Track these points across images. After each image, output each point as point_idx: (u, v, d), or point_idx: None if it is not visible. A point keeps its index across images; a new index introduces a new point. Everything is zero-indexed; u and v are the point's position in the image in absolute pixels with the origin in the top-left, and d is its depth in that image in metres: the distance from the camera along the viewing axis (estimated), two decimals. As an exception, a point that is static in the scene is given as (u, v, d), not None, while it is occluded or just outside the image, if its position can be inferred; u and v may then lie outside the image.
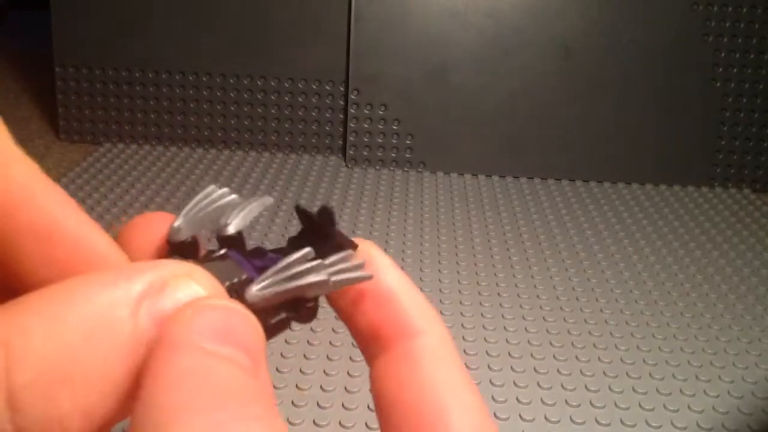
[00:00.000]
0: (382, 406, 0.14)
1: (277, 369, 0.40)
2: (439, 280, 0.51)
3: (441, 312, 0.47)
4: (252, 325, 0.11)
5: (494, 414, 0.37)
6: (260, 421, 0.10)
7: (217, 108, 0.73)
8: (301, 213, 0.15)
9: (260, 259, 0.14)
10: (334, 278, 0.14)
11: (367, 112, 0.71)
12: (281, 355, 0.42)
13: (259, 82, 0.72)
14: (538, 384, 0.40)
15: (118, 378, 0.10)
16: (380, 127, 0.71)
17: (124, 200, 0.61)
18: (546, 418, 0.37)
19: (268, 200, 0.15)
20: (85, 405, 0.10)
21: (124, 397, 0.10)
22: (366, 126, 0.71)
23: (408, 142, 0.71)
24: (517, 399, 0.39)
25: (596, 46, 0.69)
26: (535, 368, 0.41)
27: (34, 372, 0.10)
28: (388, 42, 0.69)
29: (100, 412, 0.10)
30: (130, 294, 0.11)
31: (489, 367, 0.41)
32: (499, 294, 0.49)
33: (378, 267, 0.16)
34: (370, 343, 0.15)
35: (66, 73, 0.72)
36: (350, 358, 0.41)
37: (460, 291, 0.49)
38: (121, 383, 0.10)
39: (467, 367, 0.41)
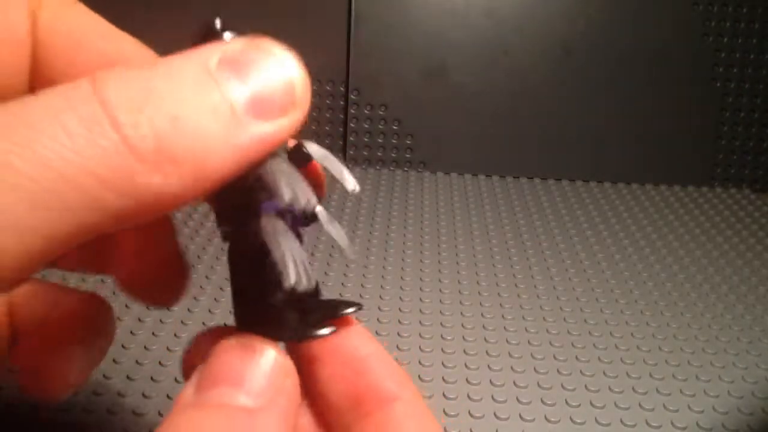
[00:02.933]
0: None
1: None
2: (439, 280, 0.51)
3: (441, 312, 0.47)
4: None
5: (494, 414, 0.37)
6: None
7: (217, 108, 0.73)
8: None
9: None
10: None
11: (367, 112, 0.71)
12: (281, 355, 0.41)
13: (259, 82, 0.72)
14: (538, 384, 0.40)
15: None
16: (380, 127, 0.71)
17: (124, 200, 0.61)
18: (546, 418, 0.37)
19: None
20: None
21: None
22: (366, 126, 0.71)
23: (408, 142, 0.71)
24: (517, 399, 0.39)
25: (596, 46, 0.69)
26: (535, 368, 0.41)
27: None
28: (388, 42, 0.69)
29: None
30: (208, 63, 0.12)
31: (489, 367, 0.41)
32: (499, 294, 0.49)
33: (355, 335, 0.16)
34: (346, 411, 0.15)
35: (66, 74, 0.72)
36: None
37: (460, 291, 0.49)
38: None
39: (467, 367, 0.41)
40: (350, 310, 0.15)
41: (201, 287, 0.47)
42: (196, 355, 0.15)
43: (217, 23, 0.15)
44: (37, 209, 0.10)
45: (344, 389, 0.15)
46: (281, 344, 0.14)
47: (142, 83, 0.11)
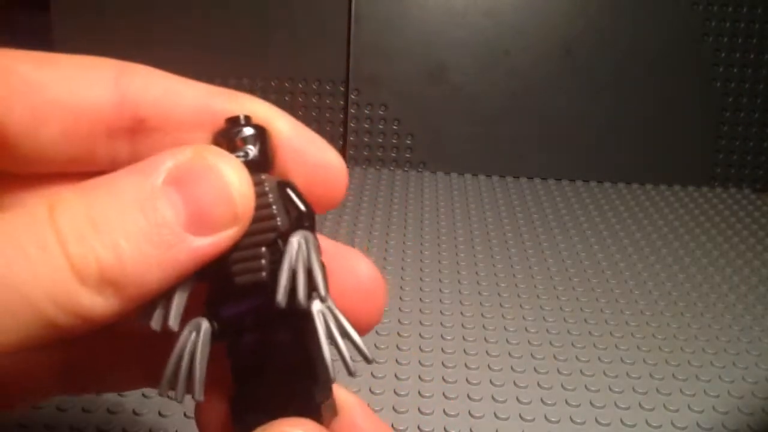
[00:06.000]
0: None
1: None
2: (440, 280, 0.51)
3: (441, 312, 0.47)
4: None
5: (494, 414, 0.37)
6: None
7: (217, 108, 0.73)
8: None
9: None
10: None
11: (367, 112, 0.71)
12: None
13: (258, 82, 0.72)
14: (538, 384, 0.40)
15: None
16: (380, 127, 0.71)
17: (124, 200, 0.61)
18: (546, 417, 0.37)
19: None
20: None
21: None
22: (366, 126, 0.71)
23: (408, 142, 0.71)
24: (517, 399, 0.39)
25: (596, 46, 0.69)
26: (535, 368, 0.41)
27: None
28: (388, 42, 0.69)
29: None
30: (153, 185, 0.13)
31: (489, 367, 0.41)
32: (499, 294, 0.49)
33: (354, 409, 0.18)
34: None
35: (66, 74, 0.72)
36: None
37: (460, 291, 0.49)
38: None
39: (467, 367, 0.41)
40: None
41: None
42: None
43: (242, 119, 0.15)
44: None
45: None
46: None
47: (89, 211, 0.12)
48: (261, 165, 0.15)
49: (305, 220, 0.15)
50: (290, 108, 0.75)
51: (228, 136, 0.15)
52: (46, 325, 0.12)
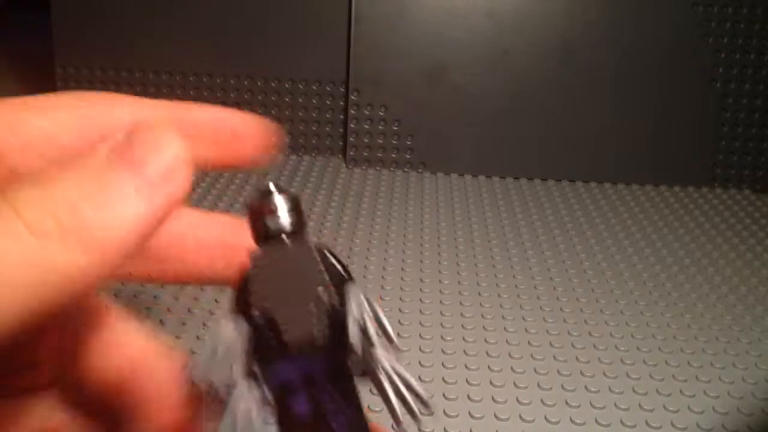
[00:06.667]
0: None
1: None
2: (440, 281, 0.51)
3: (441, 312, 0.47)
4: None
5: (494, 414, 0.37)
6: None
7: (217, 108, 0.72)
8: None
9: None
10: None
11: (367, 112, 0.71)
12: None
13: (258, 83, 0.72)
14: (538, 384, 0.40)
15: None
16: (380, 127, 0.71)
17: (125, 201, 0.61)
18: (546, 418, 0.37)
19: None
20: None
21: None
22: (366, 127, 0.71)
23: (408, 142, 0.71)
24: (517, 399, 0.39)
25: (596, 46, 0.69)
26: (535, 369, 0.41)
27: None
28: (388, 43, 0.69)
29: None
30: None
31: (489, 367, 0.41)
32: (499, 294, 0.49)
33: None
34: None
35: (66, 73, 0.72)
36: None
37: (460, 291, 0.49)
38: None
39: (467, 367, 0.41)
40: None
41: (201, 288, 0.47)
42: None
43: (271, 186, 0.16)
44: None
45: None
46: None
47: (42, 182, 0.13)
48: (297, 231, 0.15)
49: (349, 276, 0.15)
50: (290, 108, 0.75)
51: (260, 204, 0.15)
52: (28, 298, 0.12)
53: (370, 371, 0.14)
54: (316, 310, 0.14)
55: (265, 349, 0.14)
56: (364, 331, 0.14)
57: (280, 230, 0.15)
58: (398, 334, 0.44)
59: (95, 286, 0.13)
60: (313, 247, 0.15)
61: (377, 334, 0.14)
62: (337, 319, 0.14)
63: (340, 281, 0.14)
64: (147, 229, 0.13)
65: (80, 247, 0.12)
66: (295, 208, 0.15)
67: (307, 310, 0.14)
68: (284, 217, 0.15)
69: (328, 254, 0.15)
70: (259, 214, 0.15)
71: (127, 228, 0.13)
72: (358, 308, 0.14)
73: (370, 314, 0.14)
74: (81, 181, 0.13)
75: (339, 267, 0.15)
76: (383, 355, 0.14)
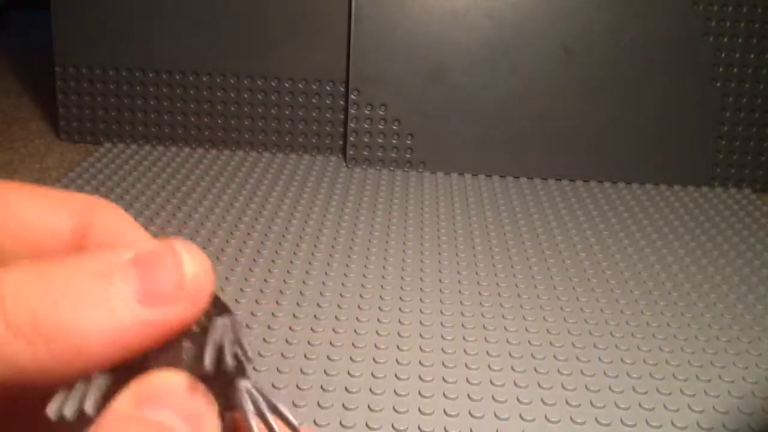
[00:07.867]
0: None
1: (277, 369, 0.40)
2: (440, 281, 0.51)
3: (441, 312, 0.47)
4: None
5: (494, 414, 0.37)
6: None
7: (217, 108, 0.73)
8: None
9: None
10: None
11: (367, 112, 0.71)
12: (281, 355, 0.42)
13: (259, 82, 0.72)
14: (539, 384, 0.40)
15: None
16: (380, 127, 0.71)
17: (125, 200, 0.61)
18: (546, 418, 0.37)
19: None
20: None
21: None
22: (366, 126, 0.71)
23: (408, 142, 0.71)
24: (518, 399, 0.39)
25: (596, 46, 0.69)
26: (535, 368, 0.41)
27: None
28: (388, 42, 0.69)
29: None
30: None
31: (489, 367, 0.41)
32: (499, 294, 0.49)
33: None
34: None
35: (66, 73, 0.72)
36: (350, 358, 0.41)
37: (460, 291, 0.49)
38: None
39: (467, 367, 0.41)
40: None
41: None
42: None
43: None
44: None
45: None
46: None
47: (37, 276, 0.13)
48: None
49: (226, 310, 0.15)
50: (290, 107, 0.75)
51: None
52: None
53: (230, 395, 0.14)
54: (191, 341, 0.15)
55: None
56: (220, 355, 0.14)
57: None
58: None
59: (49, 379, 0.13)
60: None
61: (234, 358, 0.14)
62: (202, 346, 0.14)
63: (219, 311, 0.15)
64: (127, 341, 0.13)
65: (46, 349, 0.12)
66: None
67: (182, 344, 0.14)
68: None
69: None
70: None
71: (102, 342, 0.13)
72: (221, 331, 0.14)
73: (231, 338, 0.14)
74: (82, 279, 0.13)
75: (221, 302, 0.15)
76: (241, 380, 0.15)
